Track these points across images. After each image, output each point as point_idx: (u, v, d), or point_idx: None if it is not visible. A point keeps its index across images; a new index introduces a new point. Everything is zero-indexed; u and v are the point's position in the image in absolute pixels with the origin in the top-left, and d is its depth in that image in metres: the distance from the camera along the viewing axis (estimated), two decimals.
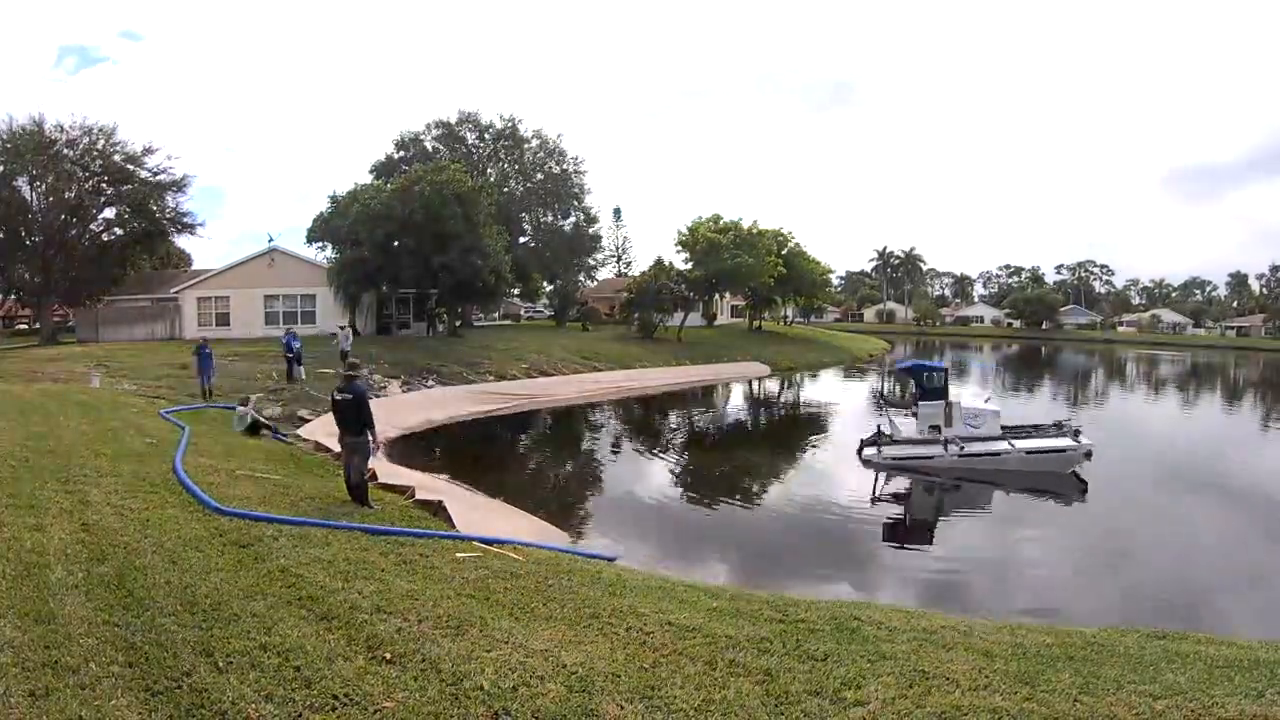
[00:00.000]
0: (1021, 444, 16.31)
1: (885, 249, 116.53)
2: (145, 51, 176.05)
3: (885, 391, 19.03)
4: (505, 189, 50.94)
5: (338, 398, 9.06)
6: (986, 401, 18.21)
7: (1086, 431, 16.81)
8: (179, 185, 37.74)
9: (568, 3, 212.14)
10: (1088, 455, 15.99)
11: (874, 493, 15.19)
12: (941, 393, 16.87)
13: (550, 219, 55.69)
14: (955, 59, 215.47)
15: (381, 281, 34.41)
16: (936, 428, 16.37)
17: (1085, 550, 12.03)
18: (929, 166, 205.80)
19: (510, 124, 52.42)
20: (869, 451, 17.09)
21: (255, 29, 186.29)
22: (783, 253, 50.68)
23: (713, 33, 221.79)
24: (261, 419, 14.98)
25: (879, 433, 17.29)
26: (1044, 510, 14.50)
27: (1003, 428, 16.71)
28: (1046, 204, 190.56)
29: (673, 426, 25.46)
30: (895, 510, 14.64)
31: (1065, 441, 16.29)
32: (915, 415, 17.03)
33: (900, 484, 15.94)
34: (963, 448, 16.08)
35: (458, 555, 7.36)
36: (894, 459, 16.46)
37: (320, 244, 37.37)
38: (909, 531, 13.30)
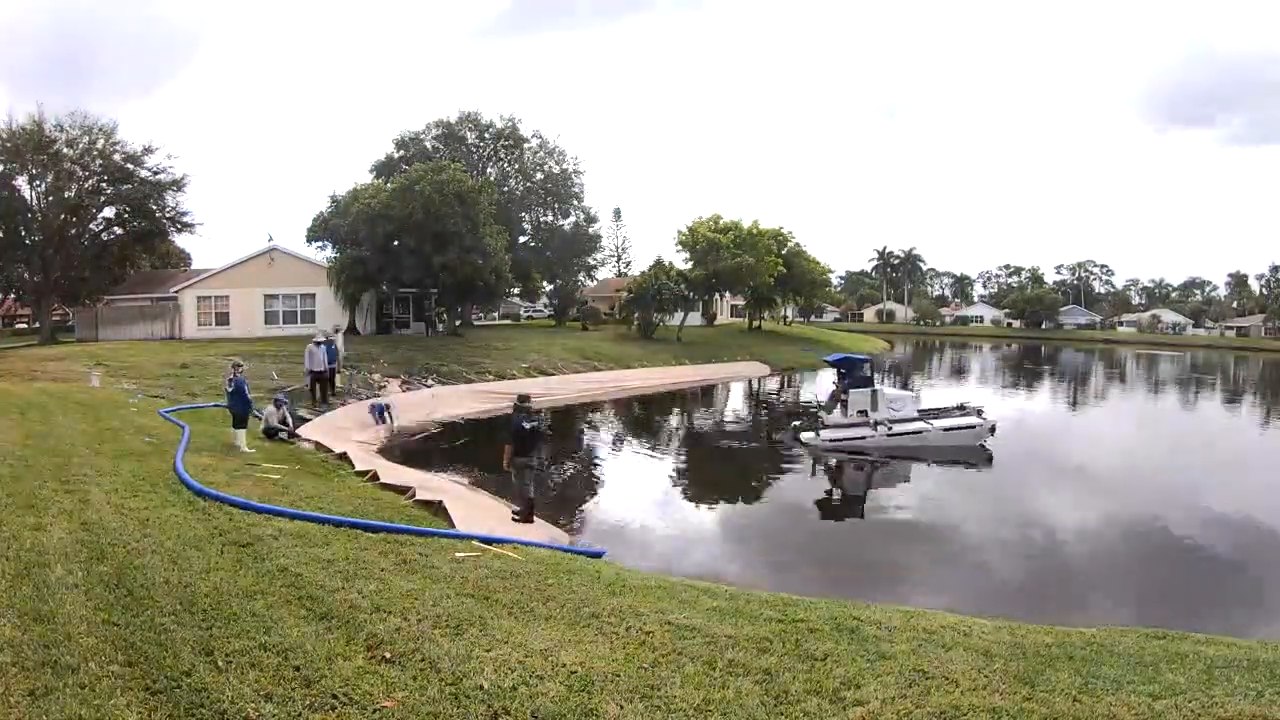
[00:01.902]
0: (939, 423, 18.45)
1: (885, 249, 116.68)
2: (145, 50, 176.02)
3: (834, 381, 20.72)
4: (505, 189, 50.92)
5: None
6: (905, 389, 20.90)
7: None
8: (178, 184, 37.82)
9: (567, 4, 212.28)
10: (992, 430, 18.32)
11: (811, 473, 16.99)
12: (868, 381, 19.05)
13: (550, 219, 55.67)
14: (952, 58, 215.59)
15: (381, 281, 34.42)
16: (864, 412, 18.37)
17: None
18: (929, 166, 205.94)
19: (510, 124, 52.40)
20: (807, 435, 18.70)
21: (256, 29, 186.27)
22: (783, 252, 50.66)
23: (712, 33, 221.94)
24: (277, 425, 14.88)
25: (814, 418, 19.37)
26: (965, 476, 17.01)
27: (919, 411, 18.98)
28: (1047, 204, 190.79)
29: (673, 426, 25.46)
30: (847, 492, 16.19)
31: (974, 419, 18.59)
32: (844, 402, 18.93)
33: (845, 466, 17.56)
34: (890, 428, 18.05)
35: (457, 555, 7.37)
36: (832, 440, 18.22)
37: (320, 244, 37.42)
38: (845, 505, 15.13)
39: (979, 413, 18.93)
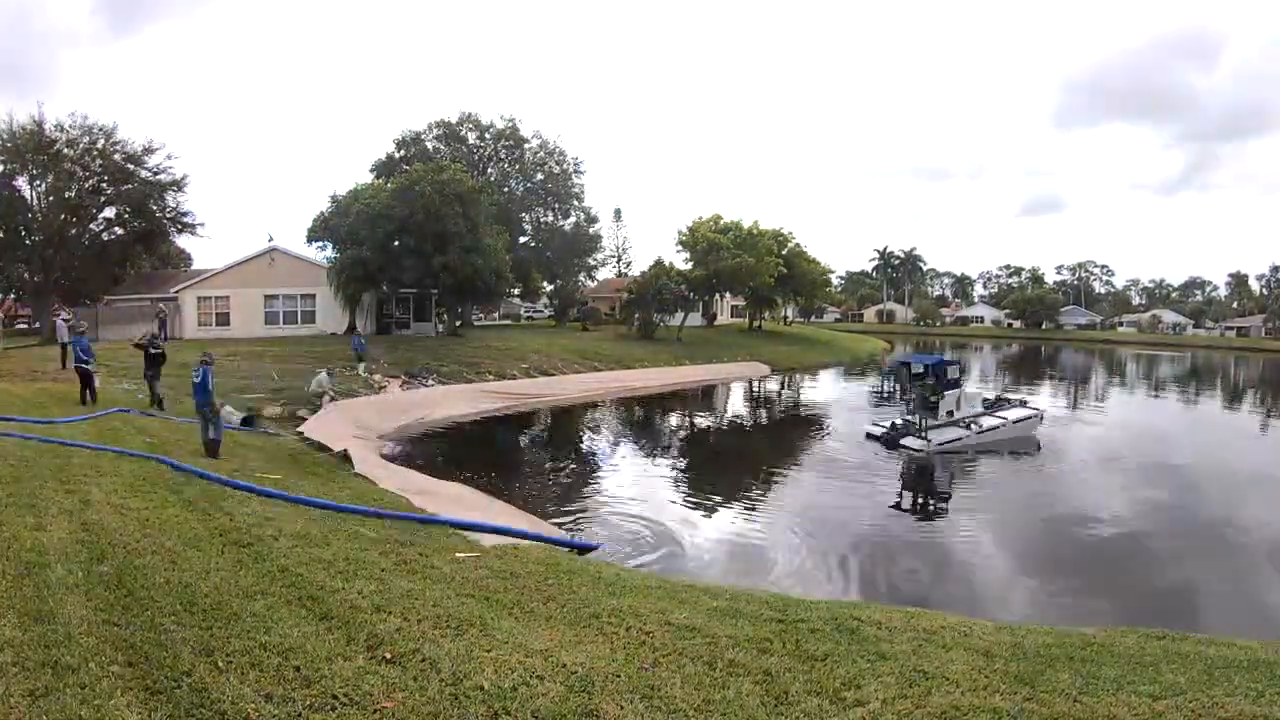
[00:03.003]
0: (1007, 415, 19.68)
1: (885, 249, 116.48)
2: (147, 50, 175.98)
3: (905, 386, 20.61)
4: (505, 189, 50.96)
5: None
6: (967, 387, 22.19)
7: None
8: (179, 185, 37.81)
9: (568, 3, 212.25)
10: (1041, 419, 20.01)
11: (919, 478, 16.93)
12: (957, 383, 19.70)
13: (550, 219, 55.72)
14: (949, 58, 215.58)
15: (382, 281, 34.42)
16: (951, 412, 19.10)
17: None
18: (929, 165, 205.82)
19: (510, 124, 52.48)
20: (915, 441, 18.38)
21: (257, 28, 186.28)
22: (783, 253, 50.67)
23: (712, 33, 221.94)
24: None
25: (910, 423, 19.02)
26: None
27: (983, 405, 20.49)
28: (1046, 204, 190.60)
29: (673, 427, 25.46)
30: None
31: (1030, 410, 20.02)
32: (928, 404, 18.90)
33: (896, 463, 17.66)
34: (981, 428, 19.05)
35: (458, 555, 7.38)
36: (940, 444, 18.39)
37: (320, 244, 37.45)
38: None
39: (1023, 403, 20.44)
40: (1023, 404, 20.50)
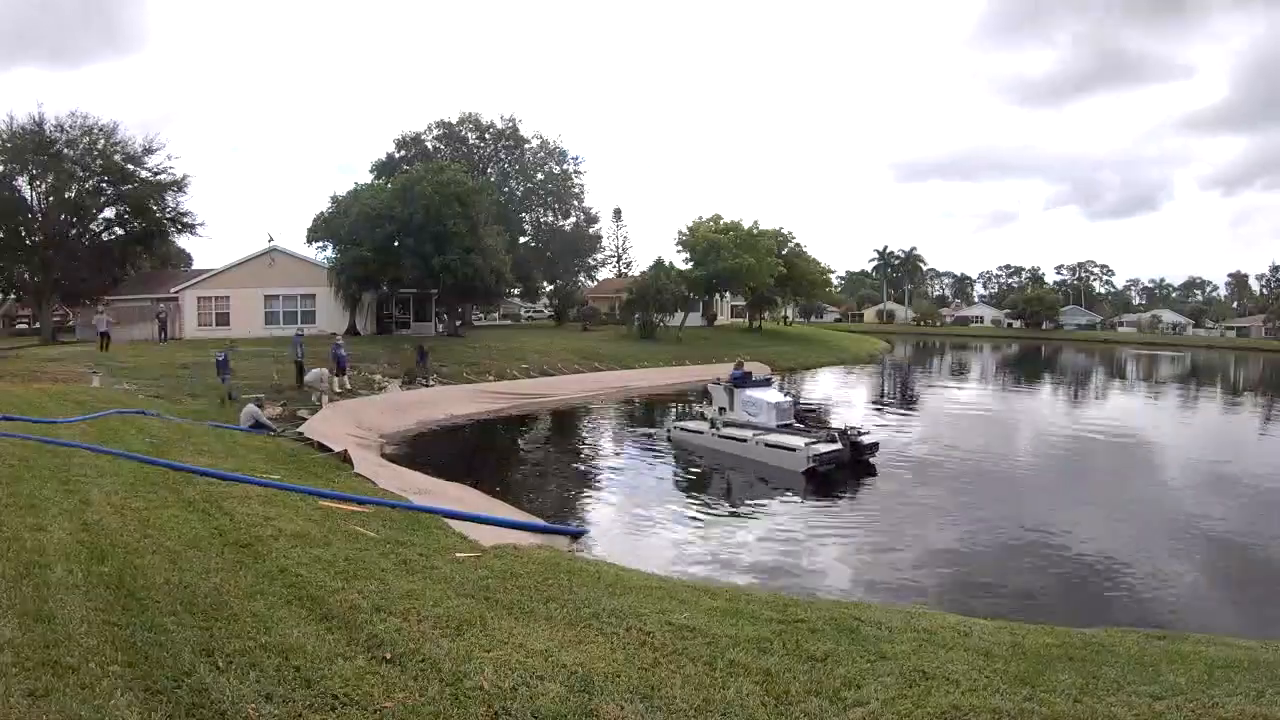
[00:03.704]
0: (766, 437, 17.14)
1: (885, 249, 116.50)
2: (148, 50, 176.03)
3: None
4: (505, 189, 51.03)
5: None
6: (784, 393, 20.53)
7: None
8: (179, 185, 37.87)
9: (569, 3, 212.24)
10: (815, 459, 15.87)
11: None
12: (739, 381, 18.95)
13: (551, 219, 55.79)
14: (947, 59, 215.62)
15: (382, 281, 34.43)
16: (723, 409, 18.55)
17: None
18: (928, 164, 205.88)
19: (511, 124, 52.58)
20: (669, 424, 20.56)
21: (257, 28, 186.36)
22: (783, 253, 50.75)
23: (713, 31, 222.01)
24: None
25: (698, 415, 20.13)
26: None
27: (792, 421, 18.09)
28: (1046, 204, 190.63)
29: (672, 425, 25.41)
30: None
31: (798, 442, 16.58)
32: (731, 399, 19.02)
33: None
34: (719, 430, 18.07)
35: (457, 555, 7.38)
36: (681, 430, 19.67)
37: (321, 244, 37.50)
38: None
39: (831, 439, 16.75)
40: (831, 439, 17.29)
